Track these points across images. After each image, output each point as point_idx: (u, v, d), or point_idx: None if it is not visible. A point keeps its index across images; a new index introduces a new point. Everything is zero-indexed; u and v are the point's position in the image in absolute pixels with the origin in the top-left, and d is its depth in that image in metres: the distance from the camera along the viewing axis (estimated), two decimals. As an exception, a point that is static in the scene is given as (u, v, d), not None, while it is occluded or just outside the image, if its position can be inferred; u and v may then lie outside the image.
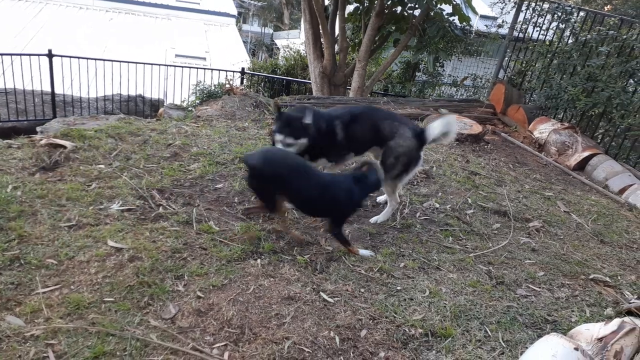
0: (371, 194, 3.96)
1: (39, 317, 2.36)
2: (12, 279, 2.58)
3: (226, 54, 15.98)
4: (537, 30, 7.88)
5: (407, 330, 2.61)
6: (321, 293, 2.82)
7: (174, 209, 3.52)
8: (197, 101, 7.17)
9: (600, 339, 2.40)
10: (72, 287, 2.60)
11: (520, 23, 8.10)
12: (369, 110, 4.02)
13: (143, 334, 2.34)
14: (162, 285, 2.69)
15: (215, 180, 4.05)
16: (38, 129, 5.57)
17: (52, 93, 8.69)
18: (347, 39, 9.01)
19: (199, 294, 2.68)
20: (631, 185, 5.55)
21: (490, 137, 6.73)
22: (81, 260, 2.80)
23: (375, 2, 8.04)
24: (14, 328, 2.26)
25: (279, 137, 3.37)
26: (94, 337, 2.28)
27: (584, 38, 6.91)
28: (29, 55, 8.39)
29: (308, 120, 3.36)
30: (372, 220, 3.83)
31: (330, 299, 2.77)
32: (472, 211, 4.19)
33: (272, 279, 2.89)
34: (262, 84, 11.26)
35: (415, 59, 9.73)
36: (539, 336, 2.64)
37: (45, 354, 2.16)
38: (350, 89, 8.95)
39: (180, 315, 2.52)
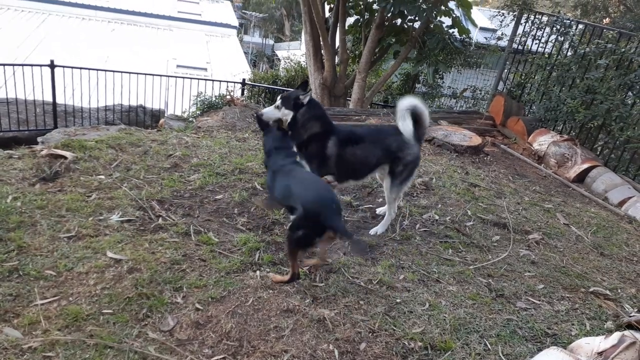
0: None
1: (37, 329, 2.36)
2: (11, 290, 2.58)
3: (227, 65, 16.07)
4: (536, 43, 7.94)
5: (407, 343, 2.60)
6: (320, 306, 2.81)
7: (173, 220, 3.53)
8: (198, 112, 7.19)
9: (600, 353, 2.39)
10: (70, 298, 2.59)
11: (520, 35, 8.16)
12: (374, 132, 4.01)
13: (141, 347, 2.33)
14: (161, 297, 2.68)
15: (215, 192, 4.06)
16: (39, 139, 5.58)
17: (54, 103, 8.72)
18: (348, 51, 9.07)
19: (197, 306, 2.67)
20: (631, 197, 5.55)
21: (490, 149, 6.74)
22: (80, 272, 2.79)
23: (376, 14, 8.11)
24: (11, 340, 2.26)
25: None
26: (92, 349, 2.27)
27: (583, 51, 6.95)
28: (31, 65, 8.44)
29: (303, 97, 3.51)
30: (372, 231, 3.83)
31: (329, 312, 2.76)
32: (471, 223, 4.19)
33: (271, 291, 2.89)
34: (263, 95, 11.30)
35: (415, 70, 9.79)
36: (539, 350, 2.63)
37: (42, 367, 2.15)
38: (350, 100, 9.00)
39: (179, 328, 2.51)
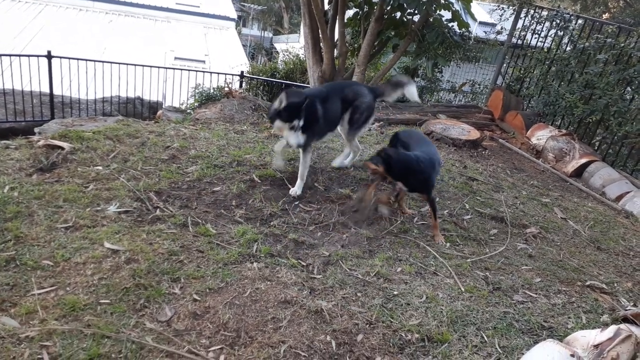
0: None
1: (34, 319, 2.36)
2: (8, 280, 2.57)
3: (225, 57, 15.99)
4: (535, 37, 7.92)
5: (404, 335, 2.61)
6: (317, 297, 2.81)
7: (171, 211, 3.52)
8: (196, 104, 7.16)
9: (596, 346, 2.40)
10: (67, 288, 2.59)
11: (519, 30, 8.14)
12: (335, 86, 4.74)
13: (139, 337, 2.33)
14: (159, 288, 2.68)
15: (213, 183, 4.05)
16: (36, 129, 5.55)
17: (51, 94, 8.67)
18: (347, 44, 9.02)
19: (195, 296, 2.67)
20: (628, 192, 5.56)
21: (488, 143, 6.74)
22: (77, 262, 2.79)
23: (375, 7, 8.07)
24: (8, 329, 2.25)
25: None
26: (89, 339, 2.27)
27: (582, 45, 6.94)
28: (28, 56, 8.38)
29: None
30: (334, 163, 4.60)
31: (326, 303, 2.77)
32: (469, 217, 4.19)
33: (268, 282, 2.89)
34: (261, 87, 11.26)
35: (414, 64, 9.76)
36: (535, 342, 2.64)
37: (39, 356, 2.15)
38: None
39: (176, 318, 2.51)
